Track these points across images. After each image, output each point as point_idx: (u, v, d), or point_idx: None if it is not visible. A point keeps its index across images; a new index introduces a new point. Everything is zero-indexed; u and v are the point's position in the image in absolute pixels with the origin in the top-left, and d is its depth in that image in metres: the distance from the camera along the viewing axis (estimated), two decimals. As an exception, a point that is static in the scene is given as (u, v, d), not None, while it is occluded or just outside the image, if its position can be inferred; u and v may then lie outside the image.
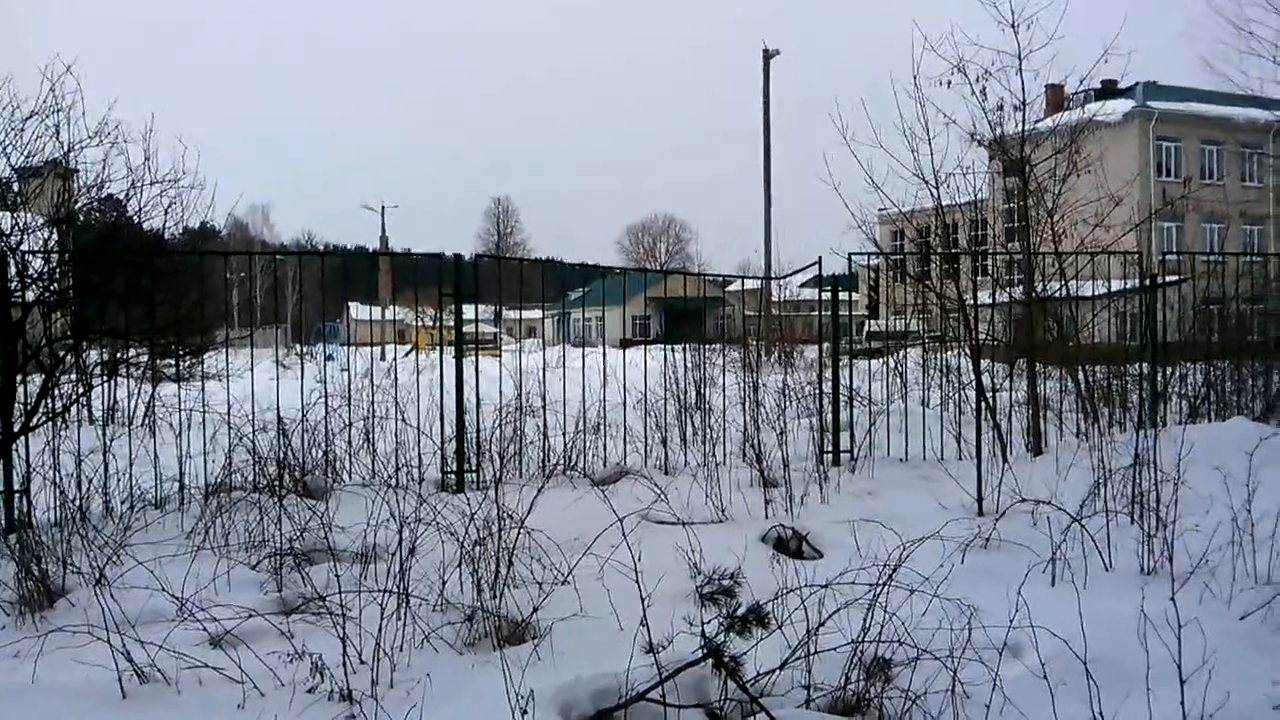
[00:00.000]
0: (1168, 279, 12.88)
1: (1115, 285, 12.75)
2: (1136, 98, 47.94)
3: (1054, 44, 11.07)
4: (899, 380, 12.48)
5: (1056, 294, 11.88)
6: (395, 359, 11.89)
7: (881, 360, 13.99)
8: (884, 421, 11.11)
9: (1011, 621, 4.46)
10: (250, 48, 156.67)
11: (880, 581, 4.64)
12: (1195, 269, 13.53)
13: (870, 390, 12.20)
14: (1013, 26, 11.07)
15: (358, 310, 36.44)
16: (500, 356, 11.37)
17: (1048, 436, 11.07)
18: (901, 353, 14.06)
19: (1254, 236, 47.99)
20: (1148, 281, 11.78)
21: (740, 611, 4.14)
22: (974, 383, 10.24)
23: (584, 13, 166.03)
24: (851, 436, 10.71)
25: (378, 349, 17.19)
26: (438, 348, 10.67)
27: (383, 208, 63.73)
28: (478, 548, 5.73)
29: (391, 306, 38.28)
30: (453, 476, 9.46)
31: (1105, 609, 5.11)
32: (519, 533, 5.82)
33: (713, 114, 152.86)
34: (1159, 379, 11.74)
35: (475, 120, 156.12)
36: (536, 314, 41.65)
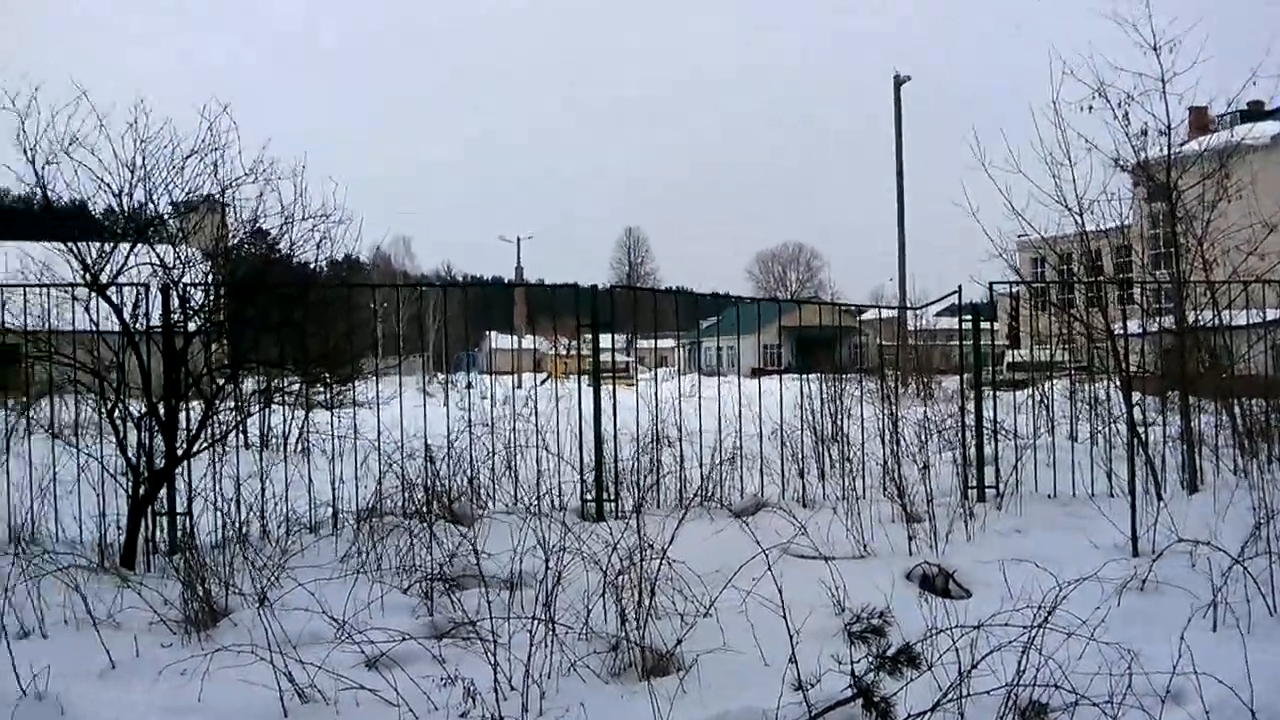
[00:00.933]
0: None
1: (1271, 315, 12.21)
2: (1289, 118, 45.85)
3: (1198, 66, 10.71)
4: (1045, 413, 12.15)
5: (1209, 324, 11.43)
6: (535, 387, 12.09)
7: (1025, 392, 13.64)
8: (1030, 456, 10.82)
9: (1175, 667, 4.30)
10: (386, 83, 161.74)
11: (1035, 623, 4.53)
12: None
13: (1015, 423, 11.91)
14: (1154, 49, 10.74)
15: (495, 339, 37.21)
16: (635, 385, 11.46)
17: (1204, 473, 10.63)
18: (1046, 384, 13.69)
19: None
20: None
21: (891, 651, 4.09)
22: (1125, 416, 9.91)
23: (712, 39, 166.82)
24: (997, 471, 10.45)
25: (514, 377, 17.52)
26: (571, 376, 10.83)
27: (518, 239, 65.07)
28: (621, 577, 5.80)
29: (528, 336, 39.02)
30: (592, 505, 9.57)
31: (1272, 655, 4.91)
32: (661, 563, 5.86)
33: (845, 140, 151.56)
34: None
35: (606, 151, 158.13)
36: (667, 343, 41.89)
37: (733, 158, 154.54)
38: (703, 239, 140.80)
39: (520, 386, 13.98)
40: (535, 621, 5.02)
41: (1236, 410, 11.49)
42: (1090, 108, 11.08)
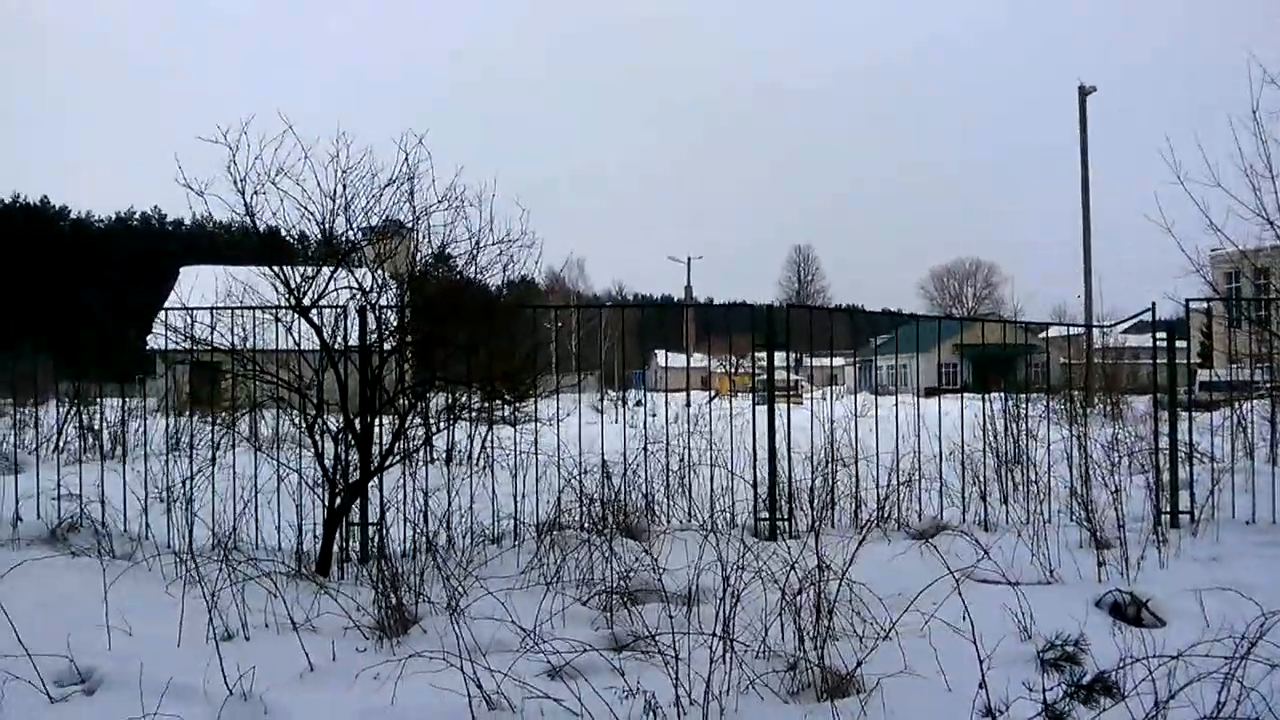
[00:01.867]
0: None
1: None
2: None
3: None
4: (1242, 435, 11.53)
5: None
6: (707, 404, 12.17)
7: (1222, 413, 12.97)
8: (1227, 481, 10.28)
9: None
10: (559, 109, 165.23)
11: (1237, 654, 4.32)
12: None
13: (1211, 446, 11.34)
14: (1372, 51, 10.11)
15: (664, 357, 37.52)
16: (804, 403, 11.40)
17: None
18: (1245, 405, 12.98)
19: None
20: None
21: (1085, 679, 3.97)
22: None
23: (887, 50, 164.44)
24: (1191, 496, 9.97)
25: (685, 394, 17.67)
26: (739, 394, 10.83)
27: (688, 259, 65.50)
28: (799, 597, 5.78)
29: (698, 355, 39.22)
30: (765, 523, 9.57)
31: None
32: (840, 584, 5.82)
33: (1027, 152, 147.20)
34: None
35: (777, 170, 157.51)
36: (836, 361, 41.42)
37: (906, 171, 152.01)
38: (874, 255, 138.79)
39: (689, 405, 14.07)
40: (714, 638, 5.06)
41: None
42: (1294, 115, 10.51)
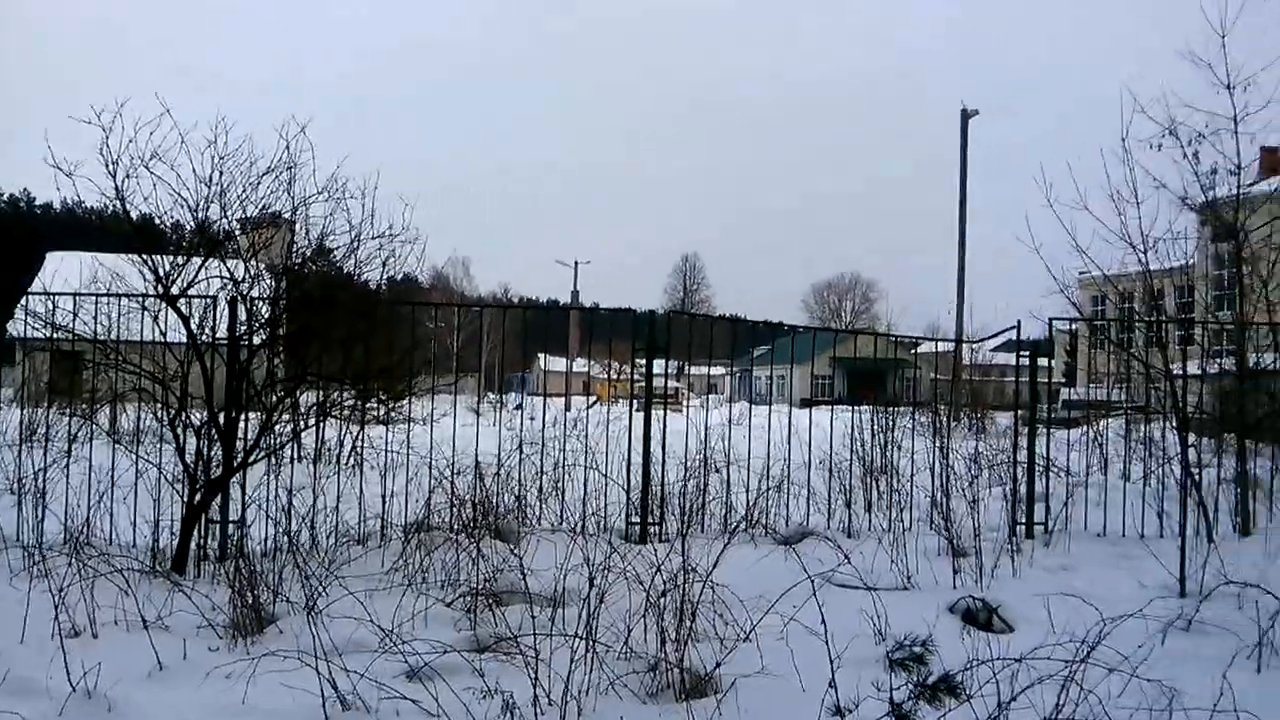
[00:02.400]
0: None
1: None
2: (1365, 160, 45.05)
3: (1272, 106, 10.60)
4: (1098, 452, 12.02)
5: (1270, 367, 11.26)
6: (587, 410, 12.20)
7: (1080, 430, 13.50)
8: (1081, 494, 10.72)
9: (1215, 706, 4.26)
10: (445, 109, 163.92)
11: (1076, 658, 4.50)
12: None
13: (1068, 461, 11.79)
14: (1228, 88, 10.65)
15: (547, 361, 37.43)
16: (685, 412, 11.51)
17: (1256, 517, 10.46)
18: (1101, 423, 13.53)
19: None
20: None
21: (931, 679, 4.09)
22: (1179, 457, 9.78)
23: (776, 68, 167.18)
24: (1046, 509, 10.37)
25: (564, 399, 17.65)
26: (619, 400, 10.89)
27: (575, 263, 65.53)
28: (663, 599, 5.83)
29: (580, 360, 39.20)
30: (636, 527, 9.62)
31: (1317, 701, 4.84)
32: (703, 587, 5.89)
33: (909, 171, 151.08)
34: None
35: (666, 180, 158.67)
36: (717, 370, 41.84)
37: (791, 188, 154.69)
38: (760, 268, 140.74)
39: (570, 409, 14.07)
40: (576, 639, 5.07)
41: (1295, 455, 11.29)
42: (1160, 146, 11.01)
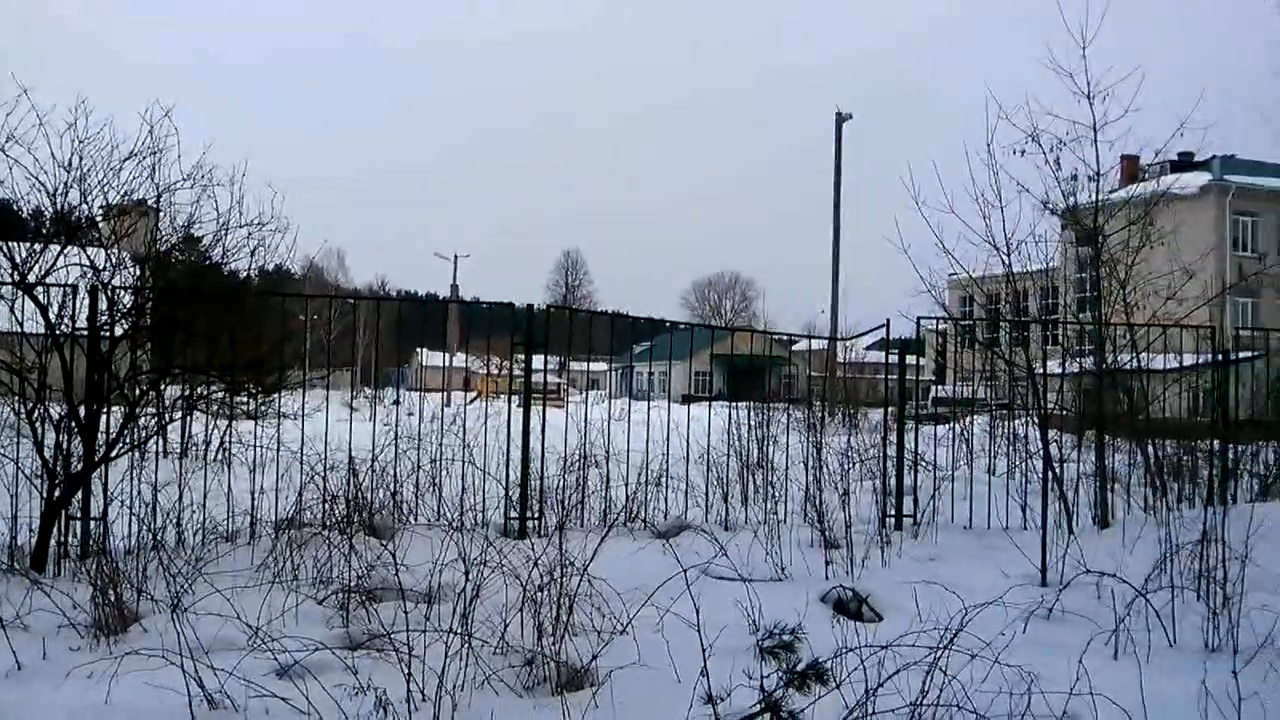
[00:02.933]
0: (1241, 355, 12.68)
1: (1188, 359, 12.59)
2: (1213, 171, 47.30)
3: (1130, 116, 11.08)
4: (965, 447, 12.40)
5: (1127, 366, 11.76)
6: (465, 405, 12.06)
7: (948, 426, 13.91)
8: (949, 488, 11.04)
9: (1072, 690, 4.43)
10: (330, 93, 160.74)
11: (941, 645, 4.64)
12: (1270, 346, 13.32)
13: (935, 456, 12.13)
14: (1088, 97, 11.09)
15: (426, 356, 36.95)
16: (565, 407, 11.51)
17: (1115, 509, 10.91)
18: (968, 419, 13.96)
19: (1333, 315, 46.93)
20: (1220, 357, 11.63)
21: (800, 667, 4.17)
22: (1041, 452, 10.16)
23: (658, 66, 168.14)
24: (915, 501, 10.66)
25: (444, 394, 17.44)
26: (501, 395, 10.83)
27: (455, 256, 64.86)
28: (540, 593, 5.82)
29: (460, 354, 38.79)
30: (516, 522, 9.57)
31: (1167, 684, 5.08)
32: (581, 580, 5.89)
33: (785, 173, 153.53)
34: (1229, 456, 11.55)
35: (549, 174, 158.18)
36: (599, 366, 41.91)
37: (674, 185, 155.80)
38: (641, 265, 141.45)
39: (449, 404, 13.92)
40: (451, 634, 5.02)
41: (1150, 450, 11.82)
42: (1024, 152, 11.39)
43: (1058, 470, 10.41)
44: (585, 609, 5.96)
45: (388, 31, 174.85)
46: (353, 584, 6.60)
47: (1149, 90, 11.13)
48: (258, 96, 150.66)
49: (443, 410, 11.94)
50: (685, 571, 5.59)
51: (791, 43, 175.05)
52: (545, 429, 9.81)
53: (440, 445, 10.20)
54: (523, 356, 10.27)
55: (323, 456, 9.02)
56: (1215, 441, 11.63)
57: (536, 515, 9.67)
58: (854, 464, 11.83)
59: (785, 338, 24.15)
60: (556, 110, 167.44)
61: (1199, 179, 46.16)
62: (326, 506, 8.61)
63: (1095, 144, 11.25)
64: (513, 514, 9.63)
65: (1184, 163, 39.96)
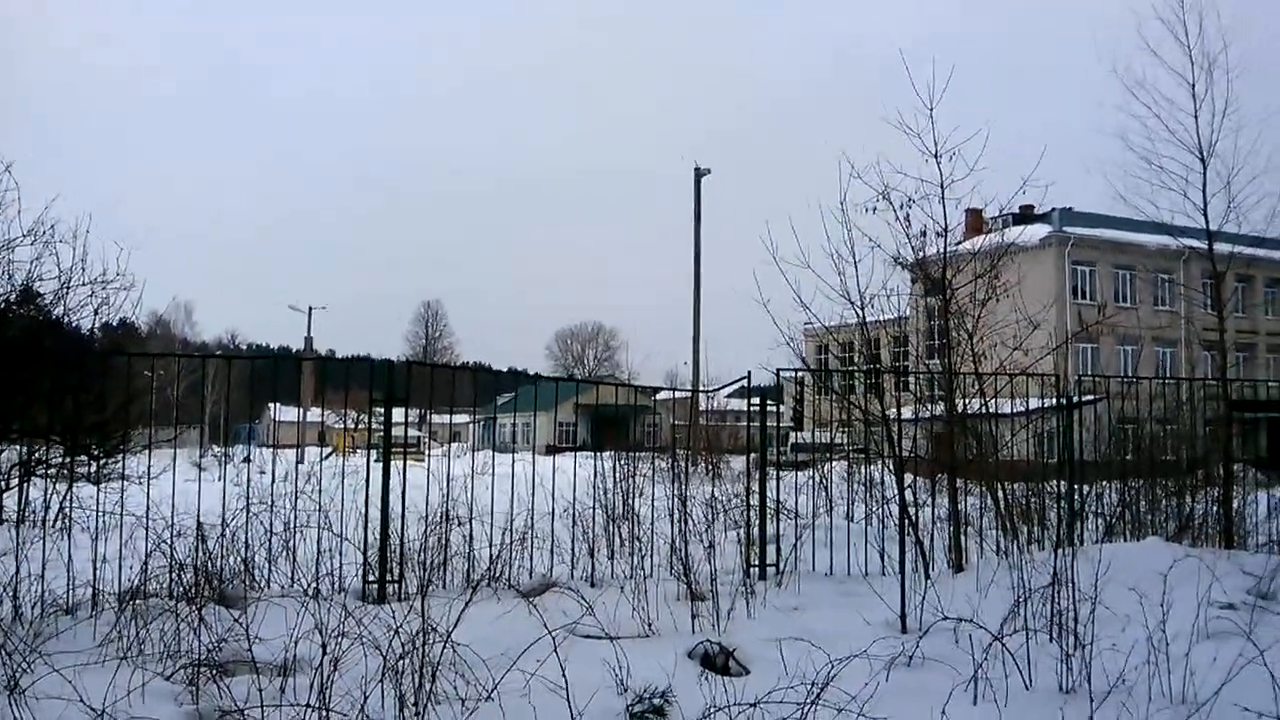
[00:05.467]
0: (1083, 399, 13.26)
1: (1033, 404, 13.08)
2: (1053, 223, 49.81)
3: (975, 174, 11.54)
4: (824, 494, 12.61)
5: (977, 412, 12.16)
6: (320, 462, 11.73)
7: (807, 473, 14.13)
8: (809, 535, 11.19)
9: (936, 742, 4.50)
10: (177, 140, 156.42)
11: (807, 700, 4.66)
12: (1110, 390, 13.96)
13: (796, 503, 12.30)
14: (936, 157, 11.53)
15: (279, 412, 35.82)
16: (426, 462, 11.26)
17: (969, 553, 11.21)
18: (826, 466, 14.22)
19: (1166, 359, 49.67)
20: (1064, 401, 12.13)
21: (669, 732, 4.13)
22: (897, 498, 10.40)
23: (519, 121, 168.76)
24: (778, 550, 10.76)
25: (300, 451, 16.89)
26: (358, 451, 10.55)
27: (309, 309, 63.07)
28: (401, 662, 5.64)
29: (314, 409, 37.79)
30: (375, 587, 9.28)
31: (1026, 728, 5.19)
32: (444, 647, 5.74)
33: (647, 227, 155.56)
34: (1076, 497, 12.01)
35: (408, 225, 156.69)
36: (461, 418, 41.37)
37: (539, 238, 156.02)
38: (504, 316, 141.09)
39: (303, 461, 13.51)
40: (307, 709, 4.82)
41: (1000, 494, 12.22)
42: (875, 209, 11.76)
43: (913, 515, 10.65)
44: (449, 676, 5.80)
45: (259, 78, 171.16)
46: (203, 658, 6.28)
47: (994, 149, 11.63)
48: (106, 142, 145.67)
49: (296, 468, 11.53)
50: (552, 633, 5.51)
51: (657, 108, 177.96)
52: (406, 487, 9.57)
53: (294, 508, 9.83)
54: (382, 411, 10.03)
55: (169, 521, 8.62)
56: (1062, 483, 12.08)
57: (397, 578, 9.40)
58: (718, 514, 11.90)
59: (648, 389, 24.31)
60: (417, 162, 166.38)
61: (1041, 231, 48.56)
62: (173, 575, 8.23)
63: (943, 201, 11.69)
64: (372, 578, 9.34)
65: (1026, 215, 42.01)
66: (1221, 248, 14.11)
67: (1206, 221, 13.73)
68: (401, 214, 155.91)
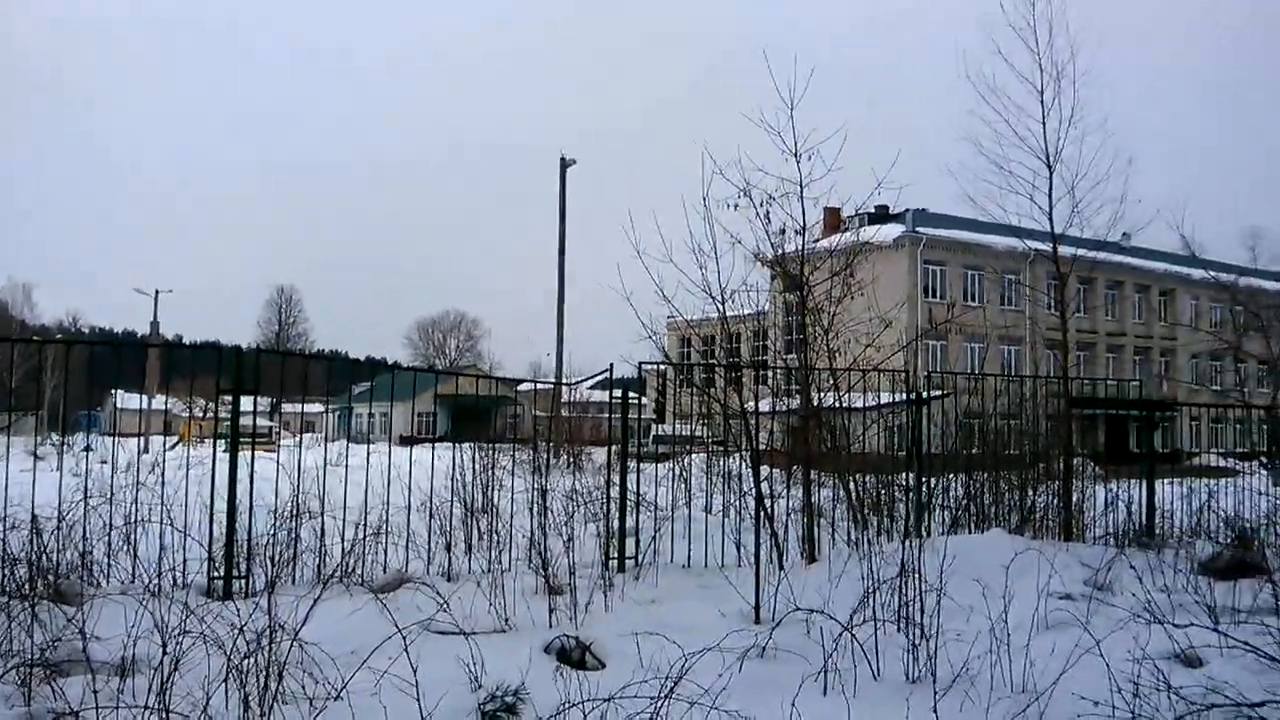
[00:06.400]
0: (931, 394, 13.69)
1: (885, 399, 13.45)
2: (907, 224, 51.33)
3: (833, 174, 11.81)
4: (684, 486, 12.72)
5: (831, 406, 12.45)
6: (164, 451, 11.26)
7: (668, 466, 14.24)
8: (669, 528, 11.27)
9: (785, 732, 4.57)
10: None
11: (660, 695, 4.68)
12: (957, 386, 14.45)
13: (656, 496, 12.38)
14: (795, 156, 11.75)
15: (123, 399, 34.38)
16: (277, 453, 10.94)
17: (822, 544, 11.46)
18: (686, 459, 14.35)
19: (1012, 357, 51.76)
20: (913, 397, 12.51)
21: (522, 729, 4.09)
22: (754, 490, 10.56)
23: (386, 101, 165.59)
24: (637, 542, 10.81)
25: (143, 440, 16.19)
26: (205, 440, 10.16)
27: (156, 293, 60.54)
28: (247, 661, 5.46)
29: (160, 397, 36.35)
30: (220, 583, 8.96)
31: (872, 718, 5.32)
32: (291, 645, 5.58)
33: (513, 216, 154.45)
34: (924, 490, 12.40)
35: (260, 206, 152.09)
36: (316, 408, 40.38)
37: (399, 225, 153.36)
38: (361, 303, 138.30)
39: (147, 451, 12.97)
40: (146, 710, 4.63)
41: (852, 485, 12.53)
42: (736, 206, 11.92)
43: (769, 507, 10.84)
44: (297, 675, 5.64)
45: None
46: (36, 658, 5.97)
47: (854, 151, 11.92)
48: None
49: (139, 458, 11.05)
50: (404, 630, 5.41)
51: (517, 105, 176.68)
52: (254, 478, 9.27)
53: (135, 500, 9.41)
54: (230, 399, 9.69)
55: (1, 513, 8.18)
56: (910, 476, 12.46)
57: (244, 574, 9.08)
58: (578, 507, 11.89)
59: (510, 380, 24.15)
60: (273, 143, 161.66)
61: (895, 231, 49.98)
62: (5, 570, 7.81)
63: (801, 200, 11.93)
64: (217, 574, 9.01)
65: (882, 215, 43.21)
66: (1065, 250, 14.73)
67: (1051, 225, 14.32)
68: (258, 198, 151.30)
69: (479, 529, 11.33)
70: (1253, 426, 18.78)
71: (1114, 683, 5.42)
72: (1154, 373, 58.53)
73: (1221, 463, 17.50)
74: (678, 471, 13.13)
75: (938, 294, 52.69)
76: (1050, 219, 14.29)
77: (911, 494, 12.25)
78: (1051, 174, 14.13)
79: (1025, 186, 14.32)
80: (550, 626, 7.71)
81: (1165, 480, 13.94)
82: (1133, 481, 13.61)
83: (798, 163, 11.77)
